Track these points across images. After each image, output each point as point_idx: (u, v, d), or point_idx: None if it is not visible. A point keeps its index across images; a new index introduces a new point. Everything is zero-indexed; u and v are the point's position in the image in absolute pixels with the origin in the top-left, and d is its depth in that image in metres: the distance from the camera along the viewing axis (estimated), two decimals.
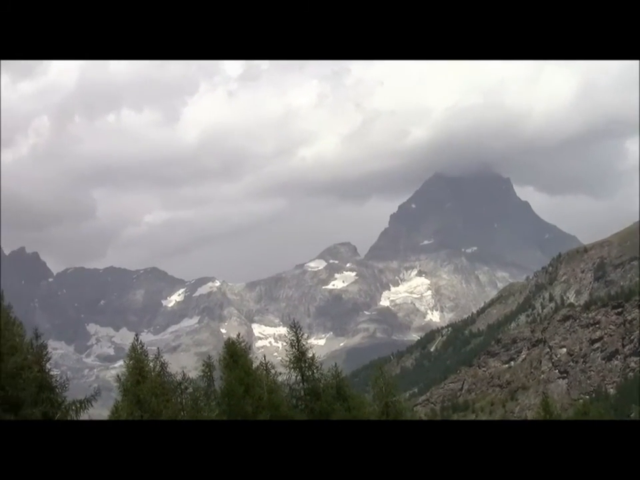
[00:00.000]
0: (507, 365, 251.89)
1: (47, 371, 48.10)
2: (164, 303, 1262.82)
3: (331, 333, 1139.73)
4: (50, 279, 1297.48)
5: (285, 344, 63.30)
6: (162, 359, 55.34)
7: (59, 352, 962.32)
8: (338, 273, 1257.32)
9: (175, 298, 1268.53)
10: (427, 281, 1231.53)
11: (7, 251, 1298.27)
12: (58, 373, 54.15)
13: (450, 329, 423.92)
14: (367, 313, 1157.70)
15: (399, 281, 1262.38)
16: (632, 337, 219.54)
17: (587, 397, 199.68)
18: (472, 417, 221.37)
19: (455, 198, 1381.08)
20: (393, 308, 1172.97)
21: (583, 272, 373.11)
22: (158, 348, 60.18)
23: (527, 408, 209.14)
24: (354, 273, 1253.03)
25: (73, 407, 46.81)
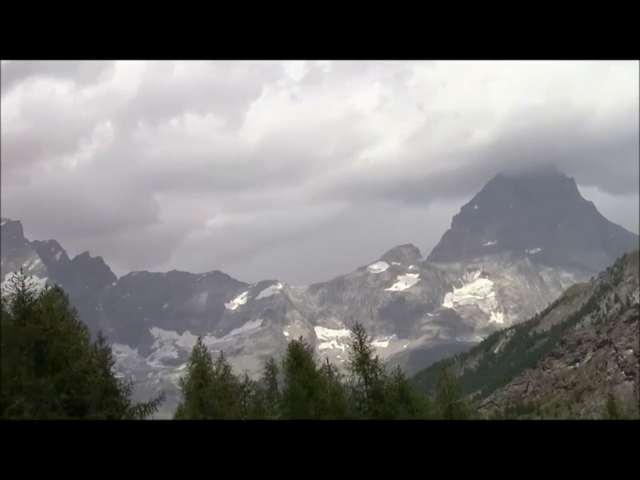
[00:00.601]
0: (572, 367, 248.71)
1: (111, 374, 48.40)
2: (227, 306, 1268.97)
3: (394, 335, 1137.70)
4: (114, 283, 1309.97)
5: (347, 346, 63.13)
6: (225, 362, 55.47)
7: (122, 355, 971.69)
8: (400, 274, 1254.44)
9: (238, 301, 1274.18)
10: (491, 283, 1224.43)
11: (71, 256, 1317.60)
12: (122, 376, 54.56)
13: (514, 330, 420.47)
14: (430, 314, 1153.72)
15: (462, 283, 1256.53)
16: None
17: None
18: (537, 418, 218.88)
19: (518, 198, 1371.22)
20: (456, 310, 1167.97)
21: None
22: (221, 351, 60.35)
23: (592, 410, 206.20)
24: (416, 275, 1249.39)
25: (137, 411, 47.04)
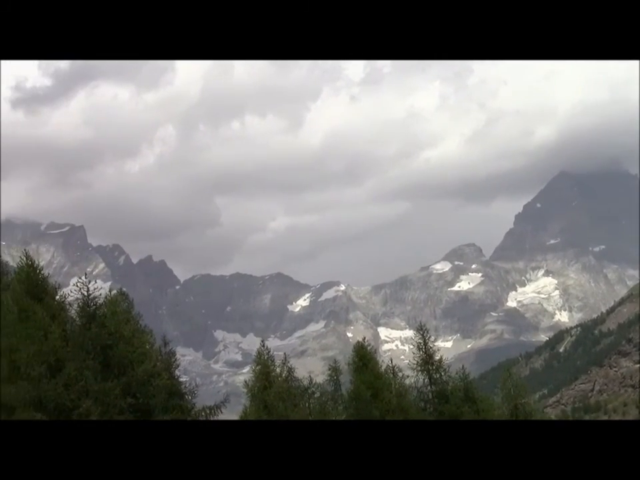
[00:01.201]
0: (639, 365, 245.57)
1: (176, 377, 48.69)
2: (290, 308, 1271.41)
3: (458, 334, 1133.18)
4: (177, 287, 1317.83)
5: (411, 347, 62.94)
6: (289, 364, 55.58)
7: (187, 358, 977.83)
8: (463, 274, 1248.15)
9: (301, 303, 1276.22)
10: (555, 281, 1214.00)
11: (134, 260, 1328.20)
12: (187, 379, 54.87)
13: (579, 328, 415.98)
14: (493, 314, 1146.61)
15: (526, 282, 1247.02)
16: None
17: None
18: (604, 418, 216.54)
19: (581, 196, 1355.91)
20: (520, 309, 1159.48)
21: None
22: (284, 353, 60.50)
23: None
24: (480, 274, 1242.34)
25: (203, 413, 47.27)
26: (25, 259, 47.72)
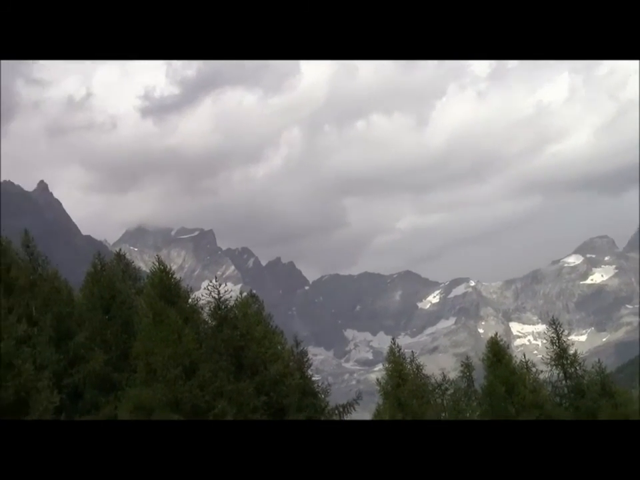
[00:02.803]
0: None
1: (308, 376, 49.13)
2: (419, 305, 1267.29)
3: (592, 328, 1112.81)
4: (306, 287, 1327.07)
5: (544, 341, 62.29)
6: (416, 361, 55.53)
7: (319, 358, 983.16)
8: (596, 267, 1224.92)
9: (431, 300, 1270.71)
10: None
11: (263, 262, 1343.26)
12: (319, 378, 55.31)
13: None
14: (629, 306, 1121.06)
15: None
16: None
17: None
18: None
19: None
20: None
21: None
22: (412, 351, 60.42)
23: None
24: (613, 266, 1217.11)
25: (336, 412, 47.55)
26: (157, 264, 48.70)
